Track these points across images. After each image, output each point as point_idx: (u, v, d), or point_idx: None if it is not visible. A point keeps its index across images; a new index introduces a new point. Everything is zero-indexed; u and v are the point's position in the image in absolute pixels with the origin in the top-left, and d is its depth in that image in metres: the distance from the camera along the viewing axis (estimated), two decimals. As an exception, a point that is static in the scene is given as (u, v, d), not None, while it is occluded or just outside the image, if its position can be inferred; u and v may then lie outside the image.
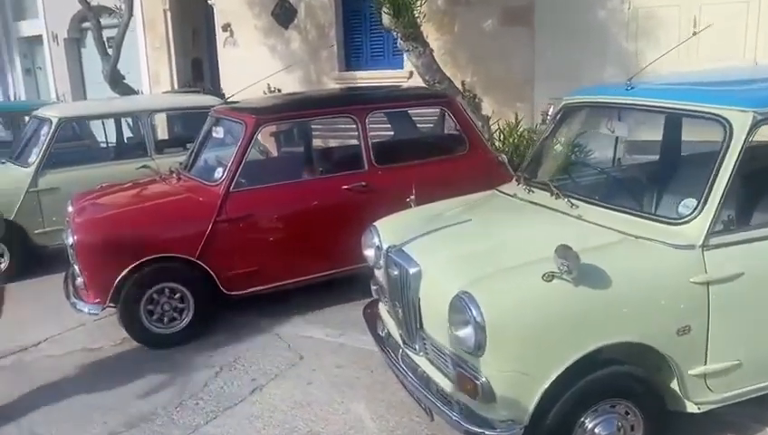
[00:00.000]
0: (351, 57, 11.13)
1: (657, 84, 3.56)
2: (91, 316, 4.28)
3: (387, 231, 3.47)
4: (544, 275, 2.44)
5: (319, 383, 3.77)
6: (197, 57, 13.69)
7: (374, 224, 3.60)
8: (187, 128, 7.50)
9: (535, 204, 3.24)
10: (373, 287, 3.63)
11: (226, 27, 12.04)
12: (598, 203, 3.02)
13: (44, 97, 16.13)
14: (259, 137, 4.64)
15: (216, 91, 11.75)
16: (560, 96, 8.59)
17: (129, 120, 6.96)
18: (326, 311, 4.73)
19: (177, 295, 4.31)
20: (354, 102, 4.82)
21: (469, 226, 3.12)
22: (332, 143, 7.38)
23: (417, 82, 9.34)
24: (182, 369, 4.05)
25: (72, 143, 7.10)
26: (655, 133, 3.99)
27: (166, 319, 4.31)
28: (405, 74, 10.05)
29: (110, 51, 10.79)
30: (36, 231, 5.93)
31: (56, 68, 15.24)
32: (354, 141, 4.95)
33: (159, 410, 3.61)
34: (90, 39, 14.92)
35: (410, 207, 3.76)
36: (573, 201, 3.07)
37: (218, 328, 4.50)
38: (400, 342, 3.19)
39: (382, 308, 3.62)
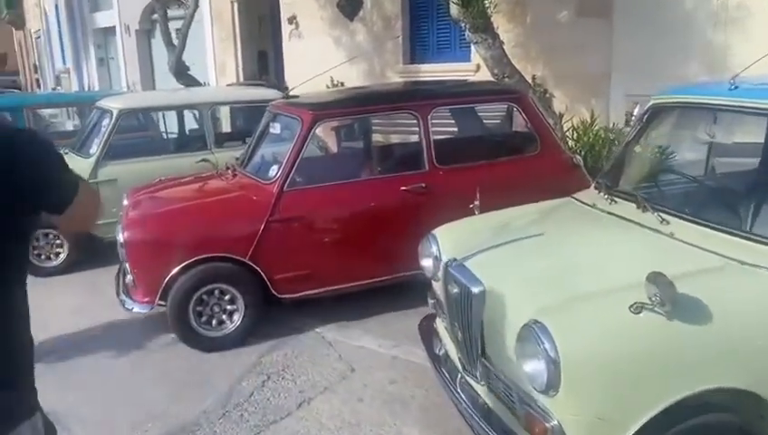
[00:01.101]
0: (417, 49, 10.80)
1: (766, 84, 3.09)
2: (142, 314, 4.15)
3: (447, 241, 3.17)
4: (632, 305, 2.09)
5: (370, 400, 3.51)
6: (263, 49, 13.67)
7: (433, 232, 3.30)
8: (249, 121, 7.39)
9: (618, 217, 2.86)
10: (430, 301, 3.33)
11: (292, 19, 11.93)
12: (693, 219, 2.62)
13: (116, 87, 16.54)
14: (318, 133, 4.38)
15: (280, 84, 11.68)
16: (639, 93, 8.03)
17: (190, 112, 6.88)
18: (379, 319, 4.46)
19: (227, 297, 4.13)
20: (416, 98, 4.51)
21: (542, 240, 2.77)
22: (393, 140, 7.11)
23: (485, 75, 8.97)
24: (229, 375, 3.87)
25: (133, 135, 7.07)
26: (753, 138, 3.52)
27: (215, 321, 4.14)
28: (472, 67, 9.65)
29: (175, 42, 10.84)
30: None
31: (127, 58, 15.56)
32: (414, 139, 4.66)
33: (202, 419, 3.43)
34: (159, 30, 15.23)
35: (474, 213, 3.44)
36: (664, 216, 2.68)
37: (268, 333, 4.30)
38: (459, 366, 2.89)
39: (440, 324, 3.32)
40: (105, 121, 6.05)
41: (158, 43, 15.29)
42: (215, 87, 7.67)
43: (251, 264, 4.09)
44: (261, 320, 4.27)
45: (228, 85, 10.62)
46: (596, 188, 3.31)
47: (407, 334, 4.17)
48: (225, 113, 7.42)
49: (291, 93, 4.91)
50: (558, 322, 2.14)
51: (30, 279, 5.39)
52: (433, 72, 10.17)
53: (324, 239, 4.24)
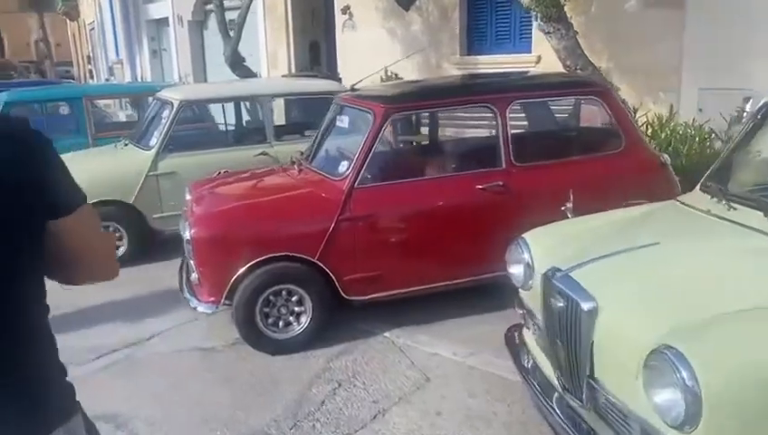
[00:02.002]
0: (474, 40, 10.49)
1: None
2: (207, 314, 4.01)
3: (540, 247, 2.92)
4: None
5: (449, 415, 3.29)
6: (315, 40, 13.53)
7: (523, 236, 3.05)
8: (307, 114, 7.23)
9: (742, 225, 2.56)
10: (519, 311, 3.09)
11: (346, 10, 11.74)
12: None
13: (168, 79, 16.66)
14: (389, 128, 4.16)
15: (332, 75, 11.53)
16: (714, 86, 7.57)
17: (249, 104, 6.76)
18: (453, 324, 4.23)
19: (295, 298, 3.96)
20: (494, 90, 4.25)
21: (657, 251, 2.49)
22: (447, 133, 6.84)
23: (546, 67, 8.63)
24: (298, 380, 3.70)
25: (192, 127, 6.98)
26: None
27: (281, 323, 3.98)
28: (533, 59, 9.30)
29: (231, 33, 10.77)
30: (154, 215, 5.83)
31: (180, 50, 15.63)
32: (486, 134, 4.41)
33: (273, 429, 3.27)
34: (212, 21, 15.21)
35: (566, 216, 3.18)
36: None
37: (335, 336, 4.12)
38: (557, 385, 2.64)
39: (528, 336, 3.08)
40: (165, 113, 5.96)
41: (210, 34, 15.33)
42: (273, 78, 7.52)
43: (319, 264, 3.91)
44: (328, 323, 4.08)
45: (283, 76, 10.49)
46: (704, 191, 3.00)
47: (482, 342, 3.95)
48: (282, 105, 7.25)
49: (356, 86, 4.65)
50: (696, 348, 1.88)
51: None
52: (491, 63, 9.84)
53: (396, 240, 4.03)
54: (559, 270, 2.52)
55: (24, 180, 1.28)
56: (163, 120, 5.93)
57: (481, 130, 6.34)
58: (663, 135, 6.13)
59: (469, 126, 6.84)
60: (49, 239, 1.36)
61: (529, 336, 3.06)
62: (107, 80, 21.61)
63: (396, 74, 10.92)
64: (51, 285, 1.54)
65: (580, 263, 2.47)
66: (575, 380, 2.44)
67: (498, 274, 4.18)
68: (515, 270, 3.00)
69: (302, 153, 4.84)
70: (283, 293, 3.94)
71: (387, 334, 4.17)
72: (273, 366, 3.88)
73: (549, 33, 6.06)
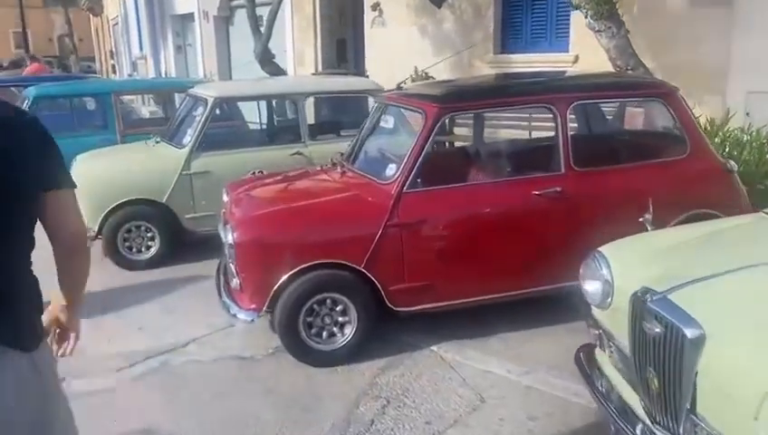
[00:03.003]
0: (508, 39, 10.20)
1: None
2: (247, 324, 3.80)
3: (621, 263, 2.68)
4: None
5: (510, 440, 3.06)
6: (342, 38, 13.32)
7: (600, 250, 2.81)
8: (337, 113, 7.02)
9: None
10: (593, 331, 2.84)
11: (376, 6, 11.51)
12: None
13: (192, 75, 16.56)
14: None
15: (360, 73, 11.31)
16: (764, 90, 7.21)
17: (283, 102, 6.55)
18: (503, 339, 4.00)
19: (339, 308, 3.75)
20: (554, 90, 4.00)
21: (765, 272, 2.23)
22: (496, 136, 6.59)
23: (584, 67, 8.35)
24: (343, 396, 3.48)
25: (224, 125, 6.79)
26: None
27: (325, 334, 3.76)
28: (570, 58, 9.02)
29: (260, 29, 10.58)
30: (187, 216, 5.65)
31: (205, 46, 15.51)
32: (539, 135, 4.17)
33: (320, 450, 3.06)
34: (238, 17, 15.08)
35: (645, 229, 2.94)
36: None
37: (379, 349, 3.89)
38: (643, 416, 2.40)
39: (603, 358, 2.83)
40: (199, 110, 5.77)
41: (235, 30, 15.19)
42: (307, 76, 7.32)
43: (366, 272, 3.69)
44: (373, 334, 3.86)
45: (313, 74, 10.30)
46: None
47: (537, 359, 3.72)
48: (311, 103, 7.00)
49: (402, 84, 4.42)
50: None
51: (120, 273, 4.95)
52: (526, 62, 9.54)
53: (447, 248, 3.79)
54: (653, 291, 2.27)
55: (25, 154, 1.65)
56: (197, 118, 5.74)
57: (516, 131, 6.10)
58: (717, 139, 5.83)
59: (503, 126, 6.58)
60: (38, 207, 1.75)
61: (604, 358, 2.81)
62: (129, 75, 21.59)
63: (426, 73, 10.70)
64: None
65: (680, 284, 2.22)
66: (670, 413, 2.19)
67: (553, 286, 4.00)
68: (591, 287, 2.76)
69: (341, 154, 4.63)
70: (328, 302, 3.73)
71: (434, 348, 3.95)
72: (315, 379, 3.67)
73: (599, 31, 5.79)
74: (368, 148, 4.42)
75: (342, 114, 7.01)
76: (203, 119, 5.64)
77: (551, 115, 3.93)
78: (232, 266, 3.76)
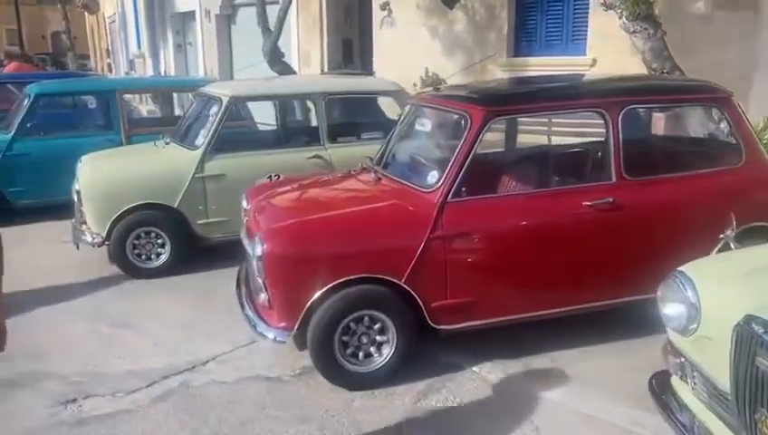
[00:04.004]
0: (522, 41, 9.96)
1: None
2: (276, 344, 3.49)
3: (710, 285, 2.41)
4: None
5: (576, 477, 2.78)
6: (348, 38, 13.04)
7: (682, 271, 2.54)
8: (354, 114, 6.74)
9: None
10: (675, 360, 2.57)
11: (385, 6, 11.24)
12: None
13: (192, 73, 16.25)
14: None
15: (368, 73, 11.04)
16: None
17: (300, 102, 6.26)
18: (551, 359, 3.72)
19: (377, 326, 3.46)
20: (607, 94, 3.74)
21: None
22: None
23: (602, 71, 8.12)
24: (384, 423, 3.20)
25: (236, 125, 6.49)
26: None
27: (361, 354, 3.48)
28: (587, 62, 8.80)
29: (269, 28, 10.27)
30: (199, 221, 5.35)
31: (206, 44, 15.19)
32: (583, 141, 3.91)
33: (366, 487, 2.77)
34: (240, 16, 14.79)
35: (728, 247, 2.67)
36: None
37: (418, 370, 3.61)
38: (746, 459, 2.13)
39: (682, 389, 2.56)
40: (213, 110, 5.47)
41: (238, 29, 14.90)
42: (325, 75, 7.02)
43: (406, 288, 3.40)
44: (412, 355, 3.58)
45: (323, 74, 10.01)
46: None
47: (589, 382, 3.46)
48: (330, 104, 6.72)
49: (439, 86, 4.14)
50: None
51: (129, 281, 4.36)
52: (541, 65, 9.30)
53: (493, 261, 3.52)
54: (766, 322, 2.00)
55: None
56: (210, 118, 5.45)
57: (537, 137, 5.82)
58: (755, 147, 5.58)
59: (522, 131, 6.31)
60: None
61: (684, 388, 2.55)
62: (126, 73, 21.23)
63: (436, 74, 10.44)
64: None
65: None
66: (789, 462, 1.92)
67: (604, 302, 3.74)
68: (673, 311, 2.49)
69: (370, 159, 4.35)
70: (365, 320, 3.44)
71: (476, 369, 3.67)
72: (352, 404, 3.38)
73: (634, 32, 5.55)
74: (403, 152, 4.15)
75: (357, 116, 6.73)
76: (217, 119, 5.35)
77: (601, 121, 3.67)
78: (259, 281, 3.46)
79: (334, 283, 3.31)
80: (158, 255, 5.32)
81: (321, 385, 3.52)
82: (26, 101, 6.95)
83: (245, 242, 3.84)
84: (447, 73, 10.24)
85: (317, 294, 3.32)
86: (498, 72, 9.79)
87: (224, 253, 5.43)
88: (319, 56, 12.70)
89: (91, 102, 7.80)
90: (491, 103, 3.57)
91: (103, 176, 5.30)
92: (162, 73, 16.98)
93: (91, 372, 3.81)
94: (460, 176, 3.48)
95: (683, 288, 2.47)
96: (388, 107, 7.29)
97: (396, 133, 4.38)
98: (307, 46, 12.92)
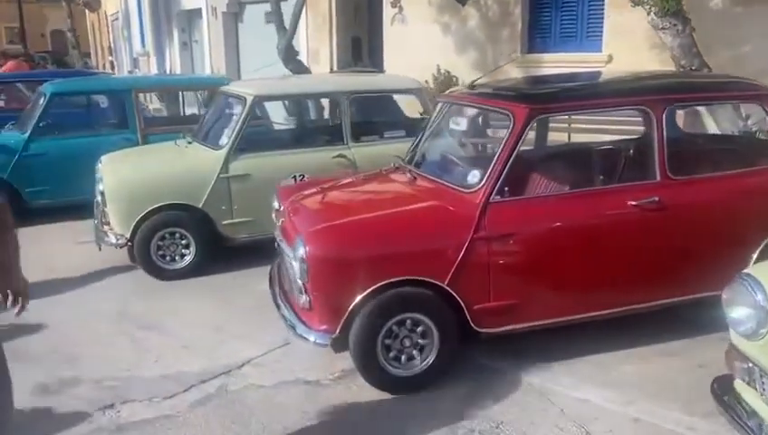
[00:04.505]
0: (536, 38, 9.87)
1: None
2: (317, 347, 3.42)
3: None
4: None
5: (635, 484, 2.73)
6: (357, 35, 12.96)
7: (749, 274, 2.48)
8: (379, 113, 6.66)
9: None
10: (742, 365, 2.51)
11: (396, 3, 11.12)
12: None
13: (198, 72, 16.14)
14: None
15: (378, 71, 10.96)
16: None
17: (323, 101, 6.18)
18: (595, 362, 3.66)
19: (419, 329, 3.40)
20: (651, 91, 3.68)
21: None
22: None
23: (618, 68, 8.04)
24: (429, 429, 3.13)
25: (259, 124, 6.41)
26: None
27: (404, 357, 3.41)
28: (603, 58, 8.71)
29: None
30: (224, 222, 5.27)
31: (213, 42, 15.09)
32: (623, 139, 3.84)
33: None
34: (247, 13, 14.68)
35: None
36: None
37: (458, 374, 3.55)
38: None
39: (749, 394, 2.50)
40: (237, 109, 5.40)
41: (245, 27, 14.80)
42: (348, 73, 6.90)
43: (449, 290, 3.34)
44: (455, 358, 3.51)
45: (333, 72, 9.93)
46: None
47: (637, 386, 3.40)
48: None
49: (476, 83, 4.06)
50: None
51: (153, 283, 5.14)
52: (556, 62, 9.20)
53: (537, 263, 3.46)
54: None
55: None
56: (234, 117, 5.38)
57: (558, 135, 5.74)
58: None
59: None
60: None
61: (750, 394, 2.49)
62: (130, 72, 21.11)
63: (449, 72, 10.36)
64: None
65: None
66: None
67: (650, 304, 3.68)
68: (741, 315, 2.43)
69: (401, 158, 4.28)
70: (407, 322, 3.37)
71: (518, 372, 3.60)
72: (395, 409, 3.32)
73: (663, 28, 5.48)
74: (437, 151, 4.09)
75: (378, 114, 6.66)
76: (241, 118, 5.28)
77: (643, 118, 3.61)
78: (299, 283, 3.39)
79: (377, 285, 3.25)
80: (183, 256, 5.25)
81: (362, 389, 3.46)
82: (42, 100, 6.86)
83: (281, 243, 3.78)
84: (459, 71, 10.17)
85: (360, 297, 3.25)
86: (513, 70, 9.70)
87: (247, 253, 5.38)
88: (328, 54, 12.62)
89: (107, 101, 7.71)
90: (535, 101, 3.50)
91: (128, 176, 5.23)
92: (168, 72, 16.87)
93: (124, 376, 3.75)
94: (503, 175, 3.41)
95: (752, 291, 2.40)
96: (408, 105, 7.24)
97: (428, 131, 4.31)
98: (316, 44, 12.83)
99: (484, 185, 3.42)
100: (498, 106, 3.65)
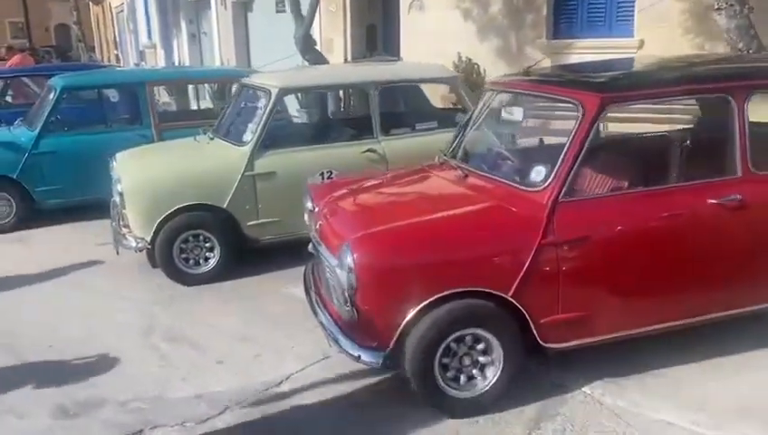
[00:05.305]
0: (562, 23, 9.46)
1: None
2: (369, 366, 3.09)
3: None
4: None
5: None
6: (372, 23, 12.55)
7: None
8: (409, 103, 6.30)
9: None
10: None
11: (414, -11, 10.75)
12: None
13: (208, 63, 15.80)
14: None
15: (398, 60, 10.58)
16: None
17: (350, 92, 5.83)
18: (663, 376, 3.31)
19: (480, 347, 3.05)
20: (731, 77, 3.30)
21: None
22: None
23: (649, 52, 7.64)
24: (498, 458, 2.80)
25: (280, 118, 6.05)
26: None
27: (463, 377, 3.07)
28: (634, 43, 8.33)
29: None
30: (249, 223, 4.94)
31: (222, 34, 14.72)
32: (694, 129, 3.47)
33: None
34: (257, 4, 14.30)
35: None
36: None
37: (523, 393, 3.20)
38: None
39: None
40: (261, 103, 5.06)
41: (254, 17, 14.42)
42: (376, 63, 6.53)
43: (514, 302, 2.99)
44: (517, 378, 3.17)
45: (354, 61, 9.55)
46: None
47: (722, 406, 3.04)
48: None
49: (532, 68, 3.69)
50: None
51: (176, 289, 4.77)
52: (585, 48, 8.81)
53: (611, 270, 3.11)
54: None
55: None
56: (258, 111, 5.03)
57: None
58: None
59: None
60: None
61: None
62: (136, 65, 20.78)
63: (469, 59, 9.96)
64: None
65: None
66: None
67: (733, 312, 3.33)
68: None
69: (444, 153, 3.93)
70: (467, 339, 3.03)
71: (586, 390, 3.26)
72: (457, 432, 2.98)
73: (719, 9, 5.08)
74: (487, 145, 3.73)
75: (408, 105, 6.31)
76: (266, 113, 4.93)
77: (722, 107, 3.24)
78: (344, 294, 3.04)
79: (435, 297, 2.90)
80: (207, 259, 4.92)
81: (417, 412, 3.12)
82: (51, 95, 6.52)
83: (320, 248, 3.43)
84: (480, 59, 9.79)
85: (415, 310, 2.91)
86: (538, 56, 9.32)
87: (272, 255, 5.06)
88: (342, 44, 12.23)
89: (119, 96, 7.36)
90: (607, 89, 3.13)
91: (148, 176, 4.89)
92: (176, 64, 16.52)
93: (152, 396, 3.42)
94: (572, 172, 3.05)
95: None
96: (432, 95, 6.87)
97: (474, 123, 3.95)
98: (330, 33, 12.44)
99: (551, 183, 3.06)
100: (565, 95, 3.28)
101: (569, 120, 3.26)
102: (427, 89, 6.56)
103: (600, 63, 4.47)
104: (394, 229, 3.08)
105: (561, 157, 3.07)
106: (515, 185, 3.24)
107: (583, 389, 3.26)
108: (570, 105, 3.21)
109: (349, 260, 2.95)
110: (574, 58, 8.53)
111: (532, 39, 9.51)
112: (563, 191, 3.04)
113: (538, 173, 3.16)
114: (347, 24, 12.15)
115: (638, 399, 3.16)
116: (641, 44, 8.24)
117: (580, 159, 3.06)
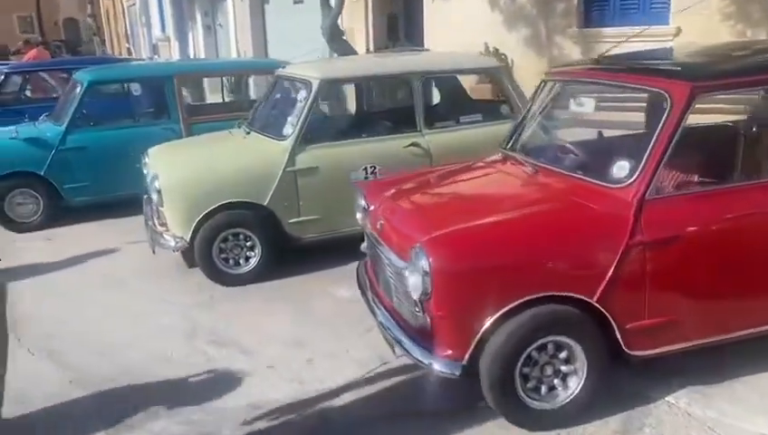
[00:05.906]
0: (593, 10, 9.18)
1: None
2: (446, 376, 2.88)
3: None
4: None
5: None
6: (393, 13, 12.30)
7: None
8: (449, 95, 6.08)
9: None
10: None
11: (438, -23, 10.48)
12: None
13: (223, 55, 15.59)
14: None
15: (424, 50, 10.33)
16: None
17: (392, 84, 5.61)
18: (753, 384, 3.10)
19: (562, 355, 2.85)
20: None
21: None
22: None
23: (686, 40, 7.39)
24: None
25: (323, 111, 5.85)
26: None
27: (544, 387, 2.87)
28: (671, 31, 8.04)
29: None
30: (291, 220, 4.74)
31: (239, 26, 14.50)
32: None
33: None
34: (275, -6, 14.05)
35: None
36: None
37: (607, 403, 2.99)
38: None
39: None
40: (301, 95, 4.84)
41: (271, 8, 14.18)
42: (421, 52, 6.28)
43: (599, 307, 2.78)
44: (602, 388, 2.96)
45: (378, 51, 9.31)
46: None
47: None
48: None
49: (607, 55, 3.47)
50: None
51: (216, 289, 4.65)
52: (618, 36, 8.51)
53: (701, 272, 2.89)
54: None
55: None
56: (298, 104, 4.82)
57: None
58: None
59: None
60: None
61: None
62: (150, 58, 20.59)
63: (497, 49, 9.71)
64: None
65: None
66: None
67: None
68: None
69: (506, 146, 3.72)
70: (549, 347, 2.83)
71: (670, 400, 3.05)
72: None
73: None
74: (554, 138, 3.52)
75: (449, 97, 6.07)
76: (307, 105, 4.72)
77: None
78: (415, 298, 2.84)
79: (517, 302, 2.70)
80: (248, 259, 4.73)
81: (495, 425, 2.93)
82: (78, 89, 6.34)
83: (382, 250, 3.23)
84: (508, 49, 9.54)
85: (495, 317, 2.71)
86: (568, 46, 9.07)
87: (313, 254, 4.88)
88: (364, 33, 11.99)
89: (143, 90, 7.16)
90: (698, 77, 2.90)
91: (187, 172, 4.70)
92: (192, 57, 16.33)
93: (207, 407, 3.24)
94: (660, 167, 2.84)
95: None
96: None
97: (535, 115, 3.73)
98: (350, 23, 12.19)
99: (637, 179, 2.84)
100: (649, 84, 3.06)
101: (639, 111, 3.05)
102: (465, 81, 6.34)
103: (668, 51, 4.23)
104: (471, 229, 2.87)
105: (648, 151, 2.85)
106: (595, 181, 3.02)
107: (667, 398, 3.06)
108: (653, 95, 2.98)
109: (423, 263, 2.74)
110: (606, 48, 8.28)
111: (562, 28, 9.24)
112: (650, 188, 2.83)
113: (621, 168, 2.94)
114: (369, 13, 11.91)
115: (728, 409, 2.96)
116: (678, 32, 7.97)
117: (668, 153, 2.84)
